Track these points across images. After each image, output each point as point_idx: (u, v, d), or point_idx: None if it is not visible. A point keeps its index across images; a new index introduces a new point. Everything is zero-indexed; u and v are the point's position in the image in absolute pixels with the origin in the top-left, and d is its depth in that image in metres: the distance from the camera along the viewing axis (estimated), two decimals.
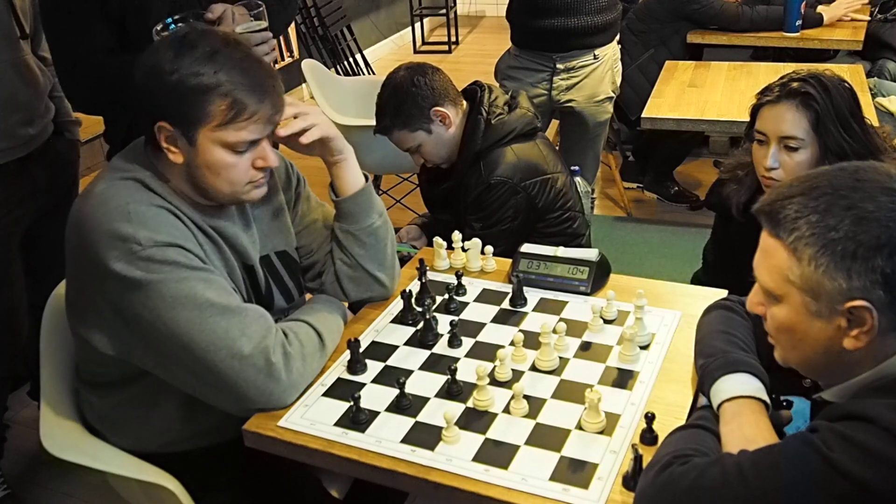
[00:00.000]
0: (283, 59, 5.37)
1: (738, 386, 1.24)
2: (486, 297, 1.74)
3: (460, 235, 1.87)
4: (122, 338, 1.41)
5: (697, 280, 2.27)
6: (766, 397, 1.23)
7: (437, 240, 1.86)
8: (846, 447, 0.95)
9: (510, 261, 1.81)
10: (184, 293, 1.35)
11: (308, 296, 1.74)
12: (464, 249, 1.87)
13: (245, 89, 1.36)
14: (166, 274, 1.34)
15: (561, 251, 1.77)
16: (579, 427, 1.34)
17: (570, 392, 1.42)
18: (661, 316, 1.62)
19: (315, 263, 1.72)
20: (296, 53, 5.49)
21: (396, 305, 1.71)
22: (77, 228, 1.41)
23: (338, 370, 1.52)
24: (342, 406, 1.42)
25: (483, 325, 1.64)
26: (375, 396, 1.44)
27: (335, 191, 1.67)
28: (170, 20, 1.78)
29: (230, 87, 1.35)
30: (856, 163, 1.09)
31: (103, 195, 1.39)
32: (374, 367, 1.53)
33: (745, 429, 1.17)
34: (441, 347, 1.57)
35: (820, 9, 3.84)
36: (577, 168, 2.44)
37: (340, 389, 1.47)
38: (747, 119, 1.89)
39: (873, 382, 1.05)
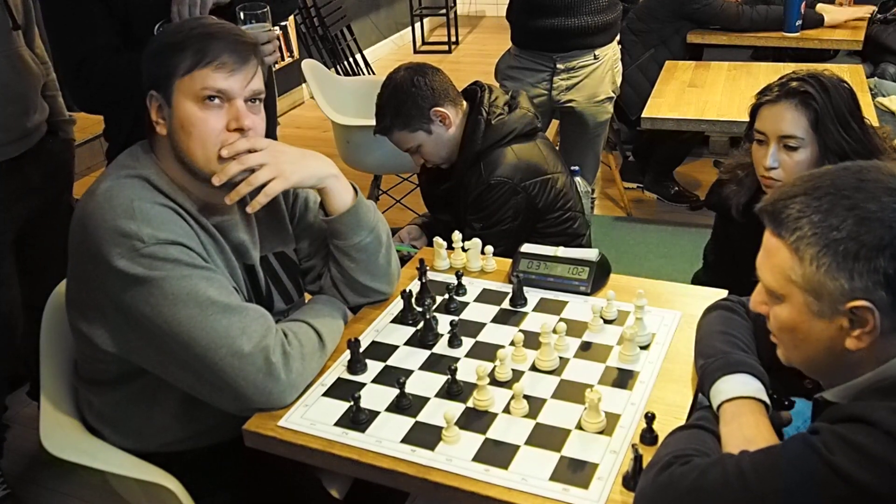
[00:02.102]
0: (282, 59, 5.37)
1: (738, 387, 1.24)
2: (486, 297, 1.74)
3: (460, 235, 1.87)
4: (122, 335, 1.41)
5: (697, 280, 2.27)
6: (766, 398, 1.23)
7: (437, 240, 1.86)
8: (847, 450, 0.95)
9: (510, 261, 1.81)
10: (185, 290, 1.35)
11: (308, 296, 1.74)
12: (464, 249, 1.87)
13: (211, 38, 1.42)
14: (168, 271, 1.35)
15: (561, 251, 1.77)
16: (579, 427, 1.33)
17: (571, 392, 1.42)
18: (661, 316, 1.62)
19: (314, 266, 1.72)
20: (296, 53, 5.49)
21: (396, 305, 1.71)
22: (81, 225, 1.41)
23: (338, 370, 1.52)
24: (342, 406, 1.42)
25: (483, 325, 1.64)
26: (375, 396, 1.44)
27: (323, 209, 1.62)
28: None
29: (196, 40, 1.42)
30: (860, 162, 1.09)
31: (108, 192, 1.40)
32: (374, 366, 1.53)
33: (746, 430, 1.17)
34: (441, 347, 1.57)
35: (820, 8, 3.84)
36: (577, 168, 2.44)
37: (340, 389, 1.47)
38: (747, 119, 1.89)
39: (876, 383, 1.04)
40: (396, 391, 1.41)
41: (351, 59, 5.33)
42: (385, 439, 1.34)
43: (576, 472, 1.25)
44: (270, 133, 2.22)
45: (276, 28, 1.85)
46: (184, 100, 1.41)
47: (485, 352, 1.55)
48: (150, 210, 1.38)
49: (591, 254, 1.75)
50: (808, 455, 0.98)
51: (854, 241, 0.99)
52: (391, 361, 1.54)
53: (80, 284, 1.46)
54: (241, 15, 1.78)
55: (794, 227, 1.04)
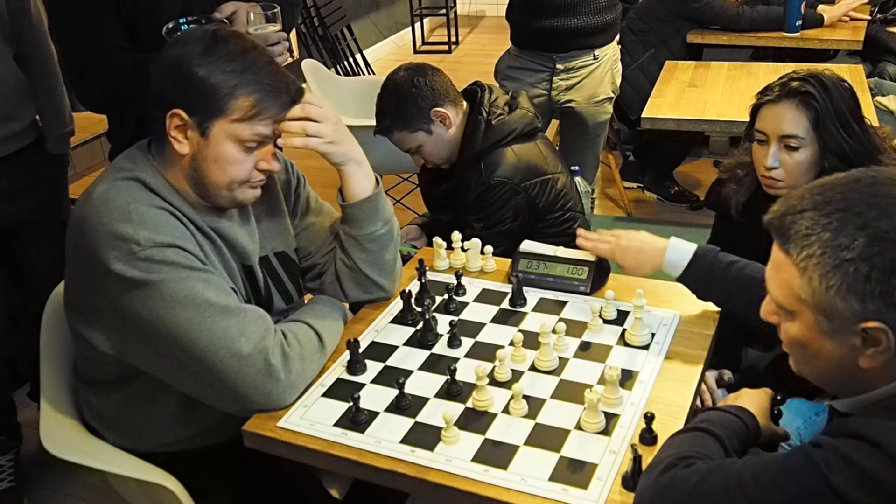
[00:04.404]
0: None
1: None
2: (485, 297, 1.74)
3: (460, 235, 1.87)
4: (121, 337, 1.41)
5: None
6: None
7: (437, 240, 1.86)
8: (847, 470, 0.95)
9: (510, 261, 1.81)
10: (183, 293, 1.35)
11: (308, 296, 1.74)
12: (463, 249, 1.87)
13: (271, 91, 1.40)
14: (165, 274, 1.35)
15: (561, 251, 1.77)
16: (579, 427, 1.34)
17: (570, 392, 1.42)
18: (660, 316, 1.62)
19: (315, 265, 1.72)
20: (296, 53, 5.48)
21: (396, 306, 1.71)
22: (78, 228, 1.41)
23: (337, 370, 1.52)
24: (342, 406, 1.42)
25: (483, 325, 1.64)
26: (375, 397, 1.44)
27: (341, 194, 1.66)
28: (182, 20, 1.80)
29: (257, 86, 1.39)
30: (872, 173, 1.04)
31: (104, 196, 1.40)
32: (373, 367, 1.53)
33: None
34: (441, 347, 1.57)
35: (820, 9, 3.84)
36: (577, 168, 2.45)
37: (340, 390, 1.47)
38: (747, 119, 1.89)
39: (887, 399, 1.02)
40: (396, 391, 1.41)
41: (351, 59, 5.32)
42: (384, 440, 1.34)
43: (575, 472, 1.25)
44: None
45: (277, 27, 1.84)
46: (226, 139, 1.40)
47: (484, 352, 1.55)
48: (146, 213, 1.38)
49: (590, 254, 1.75)
50: (809, 470, 0.97)
51: (865, 262, 0.95)
52: (391, 362, 1.54)
53: (78, 287, 1.46)
54: (251, 16, 1.78)
55: (802, 245, 1.00)
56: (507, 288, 1.74)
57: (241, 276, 1.55)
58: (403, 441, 1.34)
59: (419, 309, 1.66)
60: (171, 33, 1.77)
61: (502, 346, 1.55)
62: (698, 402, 1.41)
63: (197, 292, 1.36)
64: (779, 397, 1.30)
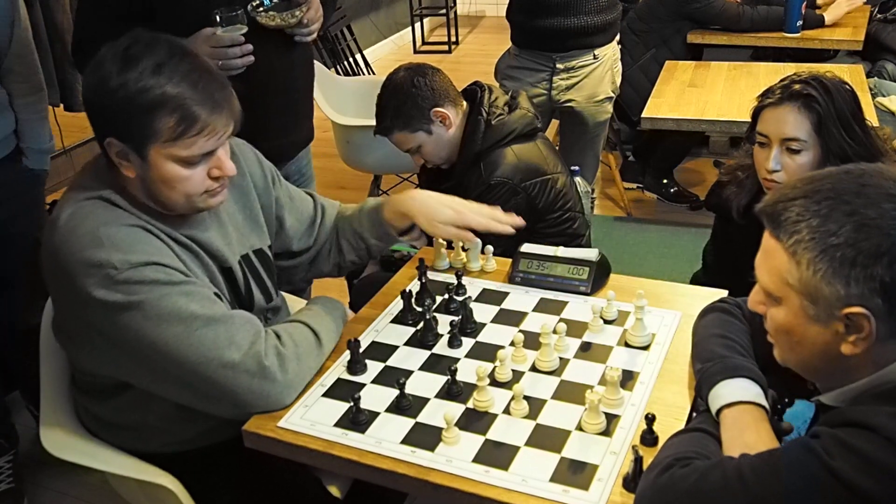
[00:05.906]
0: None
1: (738, 391, 1.23)
2: (486, 297, 1.73)
3: None
4: (113, 360, 1.41)
5: (697, 281, 2.27)
6: (765, 403, 1.23)
7: (438, 239, 1.86)
8: (847, 455, 0.95)
9: (510, 261, 1.81)
10: (167, 310, 1.34)
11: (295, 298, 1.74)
12: (464, 249, 1.87)
13: (194, 103, 1.33)
14: (147, 293, 1.33)
15: (561, 251, 1.77)
16: (579, 428, 1.33)
17: (571, 393, 1.42)
18: (661, 316, 1.62)
19: (308, 253, 1.79)
20: None
21: (396, 305, 1.70)
22: (52, 259, 1.39)
23: (338, 370, 1.52)
24: (342, 407, 1.42)
25: (483, 325, 1.64)
26: (375, 397, 1.44)
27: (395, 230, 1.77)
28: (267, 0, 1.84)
29: (178, 101, 1.32)
30: (862, 166, 1.07)
31: (71, 222, 1.37)
32: (374, 367, 1.53)
33: (746, 435, 1.16)
34: (441, 348, 1.57)
35: (821, 1, 3.84)
36: (577, 168, 2.44)
37: (340, 390, 1.47)
38: (747, 119, 1.88)
39: (874, 388, 1.04)
40: (396, 392, 1.41)
41: (351, 59, 5.32)
42: (385, 440, 1.34)
43: (576, 473, 1.25)
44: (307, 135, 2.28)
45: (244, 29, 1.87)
46: (165, 161, 1.36)
47: (485, 352, 1.55)
48: (116, 234, 1.35)
49: (591, 254, 1.75)
50: (809, 459, 0.98)
51: (851, 247, 0.99)
52: (391, 362, 1.54)
53: (64, 314, 1.46)
54: (218, 18, 1.82)
55: (792, 231, 1.03)
56: (508, 288, 1.74)
57: (222, 279, 1.53)
58: (404, 441, 1.34)
59: (420, 309, 1.65)
60: (257, 11, 1.79)
61: (503, 347, 1.55)
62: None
63: (181, 307, 1.35)
64: (786, 399, 1.30)
